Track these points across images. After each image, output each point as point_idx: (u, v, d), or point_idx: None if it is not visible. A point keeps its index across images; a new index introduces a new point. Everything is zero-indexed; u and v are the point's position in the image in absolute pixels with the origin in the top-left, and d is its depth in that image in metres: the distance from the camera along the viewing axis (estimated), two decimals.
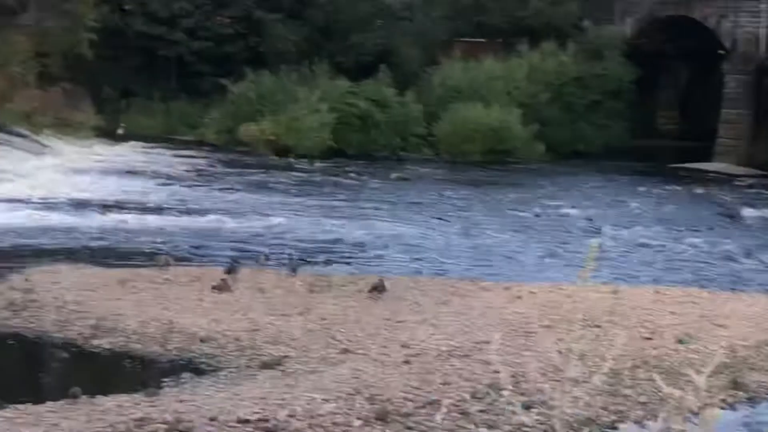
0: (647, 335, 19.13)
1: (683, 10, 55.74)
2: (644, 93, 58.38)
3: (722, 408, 15.20)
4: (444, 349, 18.11)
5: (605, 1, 60.02)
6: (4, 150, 43.96)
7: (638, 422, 13.90)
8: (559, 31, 57.76)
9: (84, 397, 15.62)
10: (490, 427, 14.44)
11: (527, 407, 13.26)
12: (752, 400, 16.49)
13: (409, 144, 52.40)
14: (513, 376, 14.65)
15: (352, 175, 45.37)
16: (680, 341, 18.85)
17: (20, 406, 15.22)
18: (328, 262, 27.42)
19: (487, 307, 21.25)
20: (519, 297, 22.17)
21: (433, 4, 58.95)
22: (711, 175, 49.19)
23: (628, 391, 15.76)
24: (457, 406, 15.15)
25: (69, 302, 21.17)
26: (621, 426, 13.79)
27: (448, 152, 51.74)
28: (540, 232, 33.55)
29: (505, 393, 14.49)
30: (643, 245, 31.71)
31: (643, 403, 15.19)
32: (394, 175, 45.15)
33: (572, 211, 37.71)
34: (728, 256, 30.29)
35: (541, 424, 13.47)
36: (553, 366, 13.73)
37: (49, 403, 15.40)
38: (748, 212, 38.87)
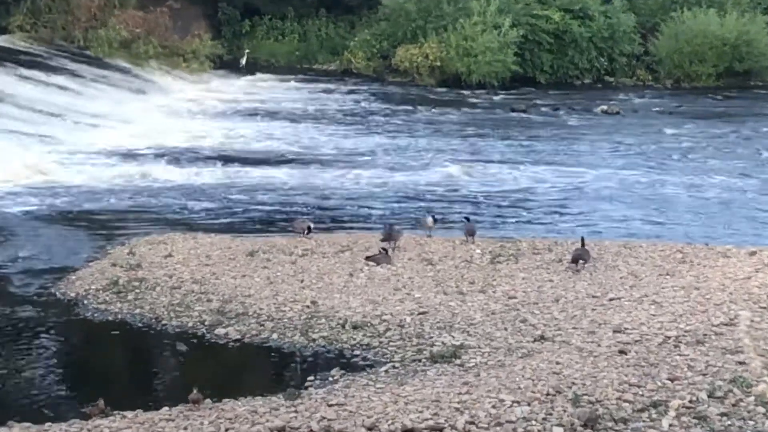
0: None
1: None
2: None
3: None
4: (671, 334, 17.95)
5: None
6: (101, 89, 44.94)
7: None
8: None
9: (208, 401, 15.88)
10: None
11: None
12: None
13: (618, 67, 52.19)
14: (766, 368, 14.53)
15: (545, 109, 45.29)
16: None
17: (129, 414, 15.47)
18: (516, 224, 27.44)
19: (726, 278, 20.98)
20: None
21: None
22: None
23: None
24: (689, 408, 15.01)
25: (185, 279, 21.56)
26: None
27: (670, 76, 51.44)
28: None
29: (757, 389, 14.40)
30: None
31: None
32: (599, 109, 44.96)
33: None
34: None
35: None
36: None
37: (165, 410, 15.63)
38: None
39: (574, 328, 18.59)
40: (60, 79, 44.66)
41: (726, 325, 18.01)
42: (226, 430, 14.74)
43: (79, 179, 32.14)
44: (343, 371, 17.24)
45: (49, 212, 28.29)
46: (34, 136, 37.45)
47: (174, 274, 21.92)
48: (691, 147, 37.68)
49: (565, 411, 15.04)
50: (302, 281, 21.42)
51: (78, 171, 33.14)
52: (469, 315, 19.39)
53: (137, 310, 20.25)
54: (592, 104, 45.64)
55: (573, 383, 15.90)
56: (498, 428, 14.60)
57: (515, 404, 15.22)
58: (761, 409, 14.19)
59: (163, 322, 19.72)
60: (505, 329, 18.67)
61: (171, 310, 20.13)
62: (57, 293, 21.43)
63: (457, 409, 15.08)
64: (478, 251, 23.23)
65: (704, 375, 16.13)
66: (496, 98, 47.18)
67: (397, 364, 17.42)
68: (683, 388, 15.67)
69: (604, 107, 45.01)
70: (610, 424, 14.68)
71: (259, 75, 51.08)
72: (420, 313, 19.51)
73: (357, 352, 18.09)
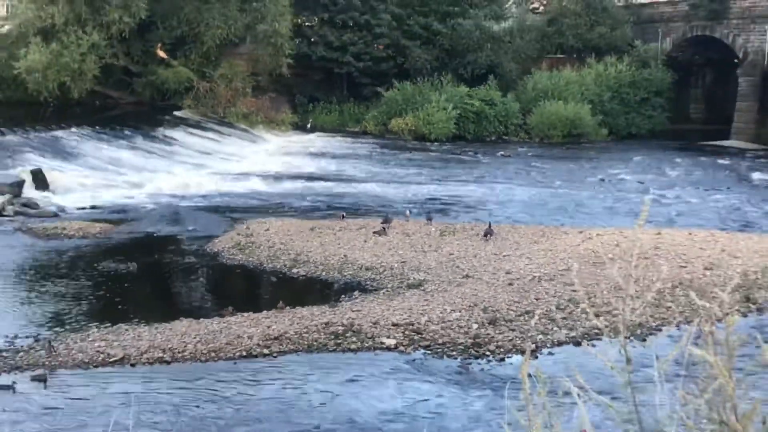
0: (683, 264, 18.67)
1: (708, 31, 54.63)
2: (679, 91, 57.54)
3: (738, 316, 14.84)
4: (536, 274, 17.96)
5: (651, 27, 59.14)
6: (232, 140, 44.98)
7: (677, 326, 13.61)
8: (617, 48, 57.12)
9: (287, 307, 15.91)
10: (570, 329, 14.29)
11: (597, 315, 13.08)
12: (760, 311, 15.99)
13: (510, 131, 52.13)
14: (587, 294, 14.55)
15: (470, 153, 45.23)
16: (707, 268, 18.37)
17: (245, 314, 15.56)
18: (453, 214, 27.43)
19: (567, 245, 21.00)
20: (590, 237, 21.84)
21: (527, 31, 58.31)
22: (728, 149, 48.10)
23: (669, 304, 15.44)
24: (546, 314, 15.03)
25: (276, 243, 21.54)
26: (664, 329, 13.52)
27: (537, 136, 51.35)
28: (605, 191, 33.08)
29: (581, 305, 14.44)
30: (679, 200, 31.14)
31: (681, 313, 14.87)
32: (499, 153, 44.91)
33: (628, 177, 37.21)
34: (741, 207, 29.62)
35: (608, 326, 13.24)
36: (616, 286, 13.48)
37: (264, 312, 15.69)
38: (756, 176, 38.02)
39: (485, 271, 18.62)
40: (210, 134, 44.64)
41: (565, 270, 18.03)
42: (296, 322, 14.79)
43: (220, 189, 32.13)
44: (360, 292, 17.31)
45: (203, 206, 28.29)
46: (195, 165, 37.45)
47: (270, 239, 21.92)
48: (548, 173, 37.61)
49: (479, 315, 15.06)
50: (339, 244, 21.42)
51: (219, 185, 33.11)
52: (428, 263, 19.41)
53: (250, 259, 20.30)
54: (496, 151, 45.50)
55: (483, 300, 15.92)
56: (443, 324, 14.64)
57: (453, 311, 15.24)
58: (584, 315, 14.21)
59: (264, 265, 19.77)
60: (447, 271, 18.70)
61: (268, 259, 20.15)
62: (207, 249, 21.44)
63: (421, 314, 15.10)
64: (433, 229, 23.23)
65: (554, 297, 16.16)
66: (444, 147, 47.02)
67: (389, 289, 17.48)
68: (543, 304, 15.70)
69: (502, 152, 44.90)
70: (503, 323, 14.73)
71: (316, 133, 51.00)
72: (402, 262, 19.54)
73: (368, 283, 18.15)
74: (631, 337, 13.62)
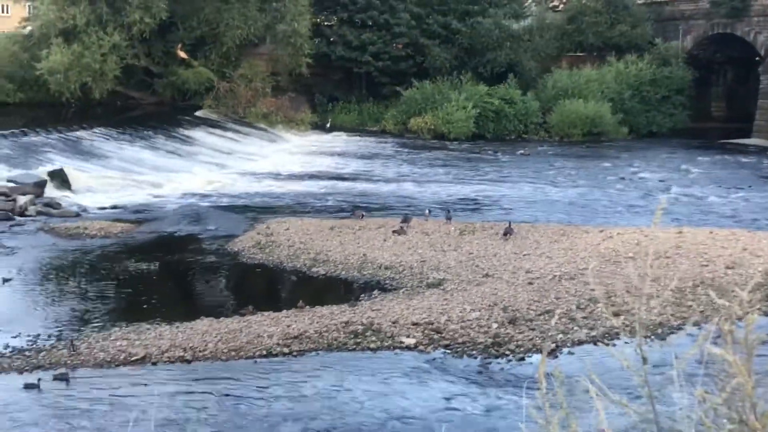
0: (704, 263, 18.56)
1: (729, 29, 54.26)
2: (700, 89, 57.11)
3: (759, 315, 14.74)
4: (556, 273, 17.91)
5: (671, 24, 58.77)
6: (252, 139, 45.12)
7: (698, 325, 13.53)
8: (638, 46, 56.76)
9: (307, 306, 15.94)
10: (590, 328, 14.24)
11: (617, 314, 13.04)
12: None
13: (529, 129, 52.01)
14: (606, 293, 14.49)
15: (489, 152, 45.14)
16: (728, 267, 18.26)
17: (265, 312, 15.60)
18: (473, 213, 27.38)
19: (586, 244, 20.92)
20: (610, 236, 21.74)
21: (546, 29, 58.12)
22: (750, 147, 47.69)
23: (690, 303, 15.37)
24: (566, 313, 14.98)
25: (296, 242, 21.57)
26: (685, 327, 13.45)
27: (557, 135, 51.21)
28: (625, 190, 32.94)
29: (600, 304, 14.39)
30: (700, 198, 30.95)
31: (701, 312, 14.78)
32: (519, 152, 44.78)
33: (648, 175, 36.98)
34: (763, 205, 29.38)
35: (626, 326, 13.18)
36: (635, 286, 13.48)
37: (284, 311, 15.73)
38: None
39: (504, 270, 18.58)
40: (230, 134, 44.79)
41: (585, 269, 17.95)
42: (316, 321, 14.82)
43: (240, 188, 32.22)
44: (379, 292, 17.31)
45: (224, 206, 28.38)
46: (216, 164, 37.57)
47: (290, 239, 21.95)
48: (568, 172, 37.48)
49: (499, 314, 15.04)
50: (358, 243, 21.43)
51: (240, 184, 33.21)
52: (447, 262, 19.39)
53: (270, 258, 20.36)
54: (515, 150, 45.38)
55: (503, 300, 15.90)
56: (463, 323, 14.62)
57: (472, 311, 15.22)
58: (605, 315, 14.15)
59: (283, 264, 19.82)
60: (467, 270, 18.67)
61: (288, 258, 20.20)
62: (227, 248, 21.52)
63: (440, 313, 15.09)
64: (453, 228, 23.18)
65: (574, 296, 16.11)
66: (463, 146, 46.96)
67: (408, 288, 17.47)
68: (563, 303, 15.65)
69: (522, 151, 44.78)
70: (523, 322, 14.69)
71: (335, 133, 51.01)
72: (421, 261, 19.53)
73: (387, 282, 18.16)
74: (652, 337, 13.60)
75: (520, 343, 13.73)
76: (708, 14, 55.75)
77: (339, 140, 48.70)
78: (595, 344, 13.60)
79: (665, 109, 54.90)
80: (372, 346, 13.76)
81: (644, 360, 2.87)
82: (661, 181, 35.53)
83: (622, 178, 36.03)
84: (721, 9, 53.89)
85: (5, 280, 17.84)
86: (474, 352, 13.54)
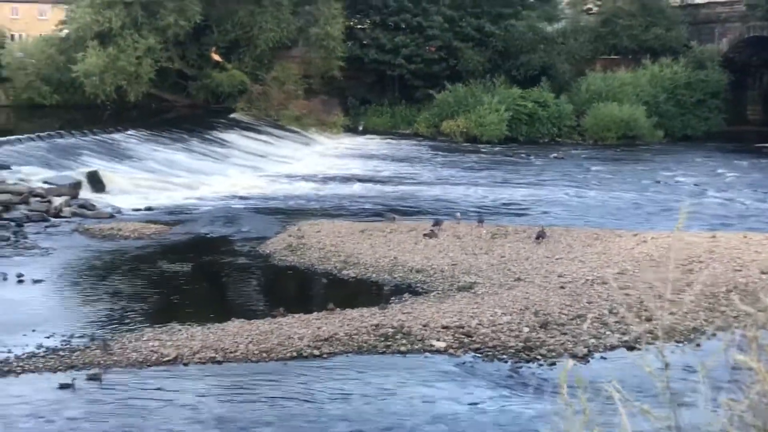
0: (737, 268, 18.36)
1: (765, 32, 53.74)
2: (736, 92, 56.63)
3: None
4: (589, 278, 17.79)
5: (706, 27, 58.25)
6: (284, 142, 45.34)
7: (731, 331, 13.38)
8: (672, 49, 56.36)
9: (337, 309, 15.95)
10: (623, 333, 14.14)
11: (649, 319, 12.94)
12: None
13: (563, 132, 51.81)
14: (638, 298, 14.36)
15: (522, 155, 45.01)
16: (763, 272, 18.05)
17: (296, 315, 15.64)
18: (505, 216, 27.29)
19: (621, 248, 20.77)
20: (644, 241, 21.56)
21: (580, 32, 57.86)
22: None
23: (723, 309, 15.21)
24: (598, 318, 14.90)
25: (327, 245, 21.61)
26: (718, 333, 13.30)
27: (591, 138, 50.98)
28: (660, 193, 32.71)
29: (633, 309, 14.28)
30: (734, 202, 30.67)
31: (735, 317, 14.62)
32: (552, 155, 44.63)
33: (683, 179, 36.74)
34: None
35: (649, 333, 13.06)
36: (666, 290, 13.32)
37: (315, 313, 15.76)
38: None
39: (536, 274, 18.49)
40: (263, 137, 45.05)
41: (619, 273, 17.85)
42: (346, 324, 14.84)
43: (274, 191, 32.39)
44: (410, 295, 17.30)
45: (256, 208, 28.53)
46: (249, 167, 37.79)
47: (321, 241, 21.99)
48: (602, 176, 37.27)
49: (530, 319, 14.98)
50: (389, 246, 21.43)
51: (272, 186, 33.38)
52: (479, 266, 19.33)
53: (301, 260, 20.42)
54: (549, 153, 45.23)
55: (535, 304, 15.83)
56: (493, 327, 14.58)
57: (503, 314, 15.17)
58: (637, 320, 14.04)
59: (315, 267, 19.86)
60: (498, 274, 18.61)
61: (319, 260, 20.24)
62: (259, 250, 21.63)
63: (471, 317, 15.06)
64: (484, 231, 23.11)
65: (606, 300, 16.01)
66: (496, 149, 46.87)
67: (439, 292, 17.44)
68: (595, 308, 15.56)
69: (555, 154, 44.62)
70: (555, 326, 14.62)
71: (368, 135, 51.12)
72: (452, 265, 19.48)
73: (418, 285, 18.14)
74: (684, 342, 13.48)
75: (551, 347, 13.66)
76: (744, 17, 55.19)
77: (371, 143, 48.78)
78: (628, 349, 13.50)
79: (700, 112, 54.48)
80: (402, 349, 13.75)
81: (666, 365, 2.86)
82: (696, 185, 35.24)
83: (657, 182, 35.78)
84: (758, 12, 53.33)
85: (35, 281, 18.02)
86: (504, 356, 13.49)
